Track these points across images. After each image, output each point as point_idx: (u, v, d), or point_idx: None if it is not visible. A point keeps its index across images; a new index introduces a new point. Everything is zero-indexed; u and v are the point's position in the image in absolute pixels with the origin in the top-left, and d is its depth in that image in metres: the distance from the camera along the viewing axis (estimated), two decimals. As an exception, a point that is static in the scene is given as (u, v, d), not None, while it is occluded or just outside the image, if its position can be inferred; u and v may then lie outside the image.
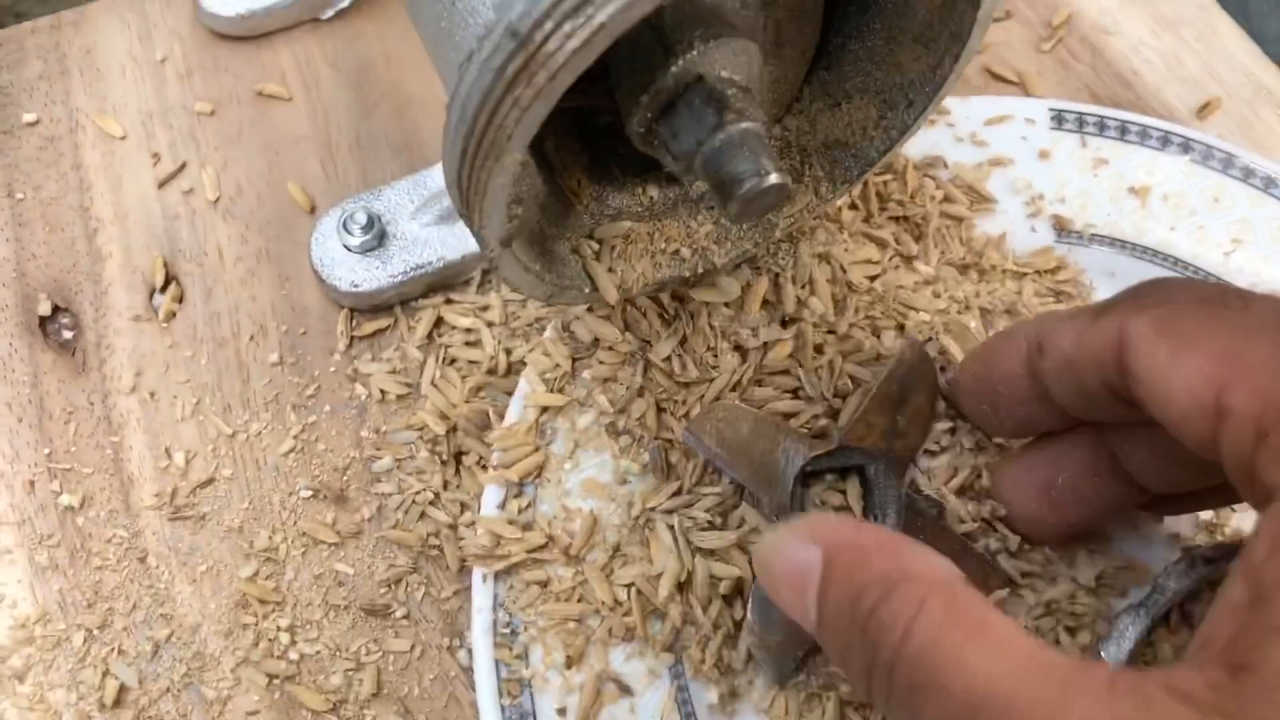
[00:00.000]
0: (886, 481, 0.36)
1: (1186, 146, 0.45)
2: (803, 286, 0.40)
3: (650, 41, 0.31)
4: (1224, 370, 0.26)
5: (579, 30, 0.26)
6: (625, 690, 0.36)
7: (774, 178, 0.30)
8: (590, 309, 0.40)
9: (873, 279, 0.41)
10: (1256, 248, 0.44)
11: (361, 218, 0.43)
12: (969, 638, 0.24)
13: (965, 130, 0.46)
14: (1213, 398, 0.26)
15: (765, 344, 0.39)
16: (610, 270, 0.36)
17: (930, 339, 0.40)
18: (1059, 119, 0.46)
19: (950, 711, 0.24)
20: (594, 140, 0.36)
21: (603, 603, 0.37)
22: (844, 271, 0.41)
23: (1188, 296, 0.28)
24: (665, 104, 0.31)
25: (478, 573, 0.37)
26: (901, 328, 0.40)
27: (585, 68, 0.26)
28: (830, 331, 0.40)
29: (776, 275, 0.40)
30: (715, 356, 0.39)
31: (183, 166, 0.47)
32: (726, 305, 0.39)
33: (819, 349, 0.39)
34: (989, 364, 0.35)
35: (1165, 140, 0.46)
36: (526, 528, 0.38)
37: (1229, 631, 0.23)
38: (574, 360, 0.40)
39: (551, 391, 0.39)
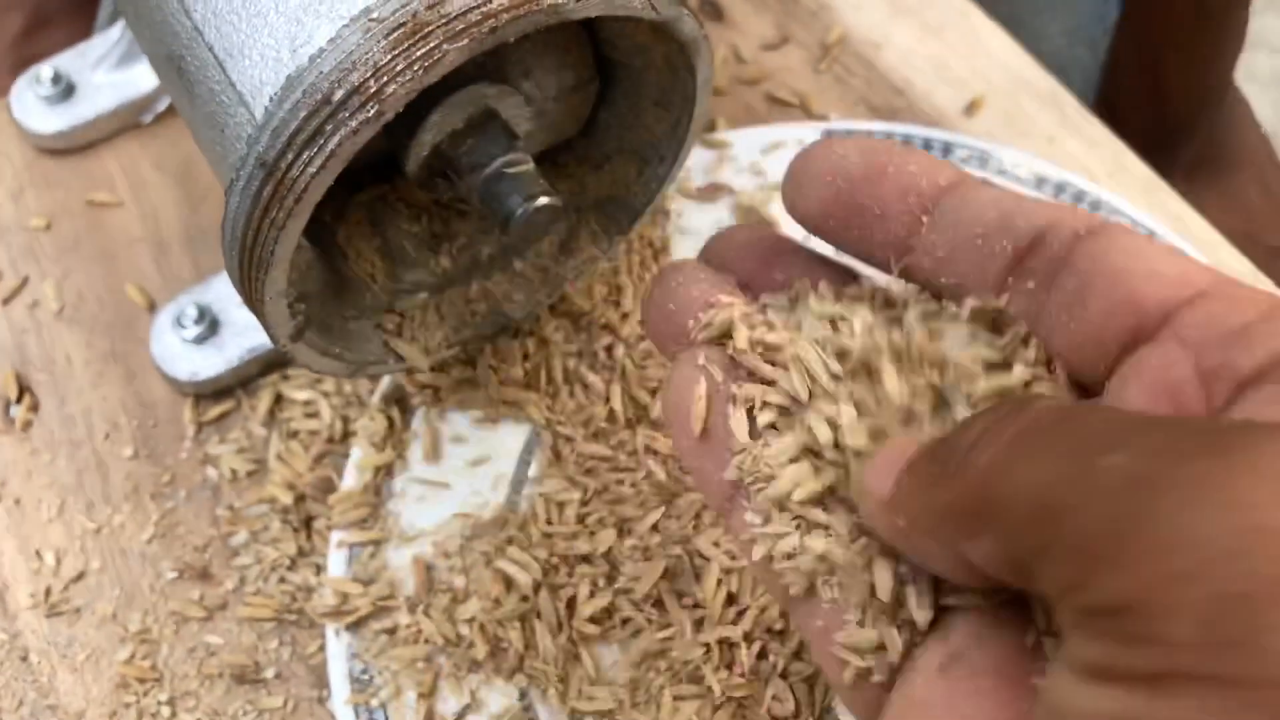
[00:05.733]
0: None
1: (947, 149, 0.50)
2: None
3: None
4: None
5: (315, 158, 0.30)
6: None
7: (545, 200, 0.34)
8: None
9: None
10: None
11: (193, 311, 0.46)
12: None
13: (746, 161, 0.50)
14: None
15: None
16: (413, 339, 0.40)
17: None
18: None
19: None
20: (384, 224, 0.40)
21: (445, 639, 0.40)
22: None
23: None
24: (456, 130, 0.35)
25: (330, 628, 0.41)
26: None
27: (326, 187, 0.30)
28: None
29: None
30: None
31: (25, 281, 0.50)
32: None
33: None
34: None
35: (925, 145, 0.50)
36: (370, 582, 0.41)
37: None
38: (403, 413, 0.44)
39: (381, 451, 0.43)
